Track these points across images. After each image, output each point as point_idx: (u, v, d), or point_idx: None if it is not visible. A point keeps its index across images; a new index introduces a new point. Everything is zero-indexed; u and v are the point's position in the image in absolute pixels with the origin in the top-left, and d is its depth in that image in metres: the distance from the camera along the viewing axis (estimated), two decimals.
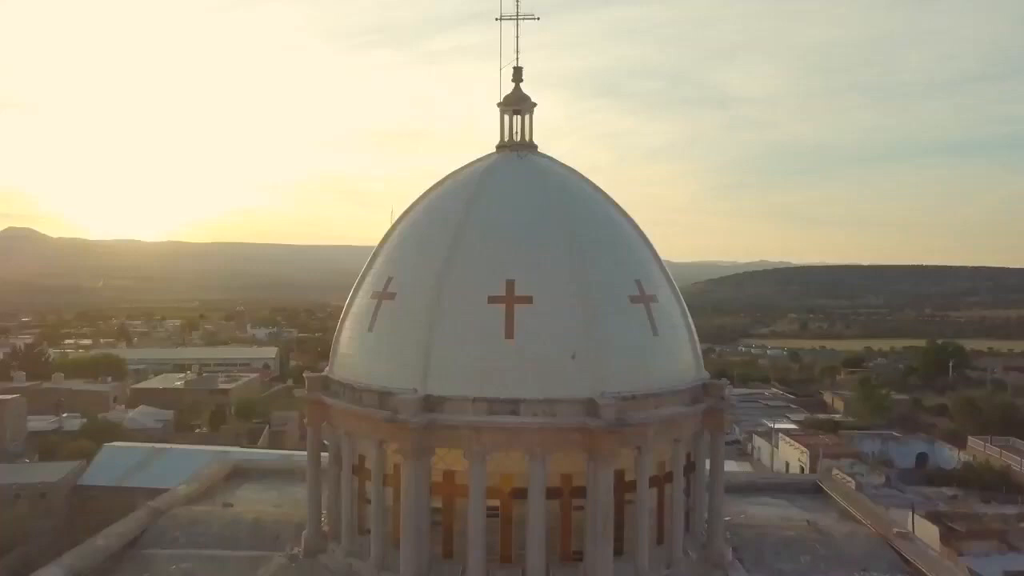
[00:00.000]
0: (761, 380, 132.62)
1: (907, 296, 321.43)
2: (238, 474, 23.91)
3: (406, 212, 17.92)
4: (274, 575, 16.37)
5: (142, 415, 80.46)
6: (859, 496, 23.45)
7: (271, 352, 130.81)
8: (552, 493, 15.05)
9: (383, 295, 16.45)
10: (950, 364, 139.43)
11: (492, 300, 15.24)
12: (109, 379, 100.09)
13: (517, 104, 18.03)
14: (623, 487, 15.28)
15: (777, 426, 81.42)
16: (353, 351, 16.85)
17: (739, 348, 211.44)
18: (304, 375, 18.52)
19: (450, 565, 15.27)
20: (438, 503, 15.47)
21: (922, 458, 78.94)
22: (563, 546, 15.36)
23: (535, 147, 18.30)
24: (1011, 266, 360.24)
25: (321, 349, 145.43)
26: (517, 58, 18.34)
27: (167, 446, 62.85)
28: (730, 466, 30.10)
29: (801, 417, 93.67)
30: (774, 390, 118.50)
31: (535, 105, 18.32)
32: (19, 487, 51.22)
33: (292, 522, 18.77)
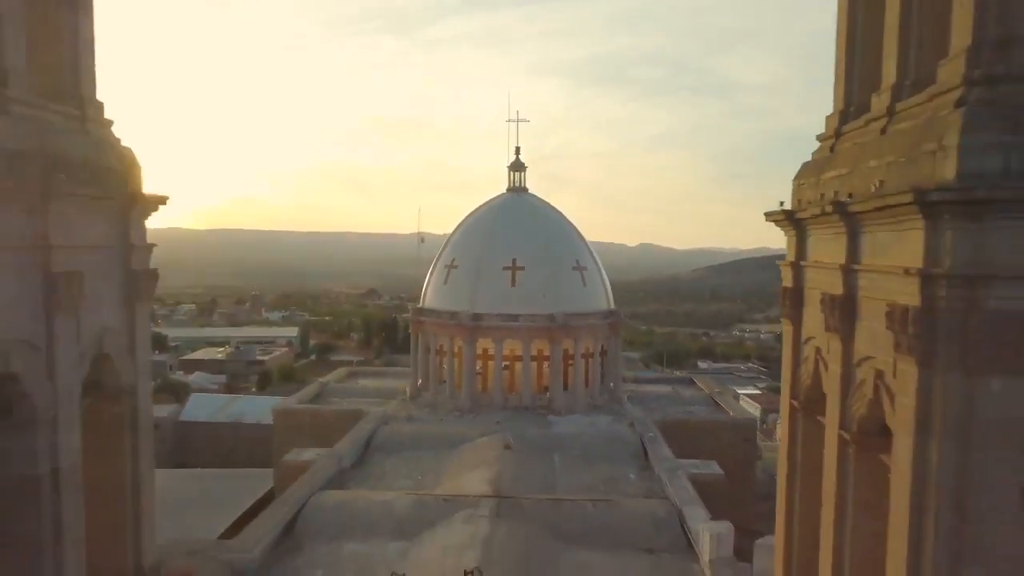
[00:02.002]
0: (743, 358, 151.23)
1: None
2: (352, 375, 42.58)
3: (461, 223, 36.33)
4: (397, 406, 34.67)
5: (201, 379, 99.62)
6: (709, 382, 41.86)
7: (293, 331, 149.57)
8: (533, 359, 33.47)
9: (451, 266, 34.85)
10: None
11: (505, 268, 33.56)
12: (156, 352, 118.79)
13: (517, 168, 36.50)
14: (567, 358, 33.68)
15: (740, 391, 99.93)
16: (436, 294, 35.24)
17: (733, 332, 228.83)
18: (409, 307, 36.80)
19: (485, 395, 33.67)
20: (479, 365, 33.87)
21: None
22: (538, 384, 33.80)
23: (526, 190, 36.74)
24: None
25: (337, 329, 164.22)
26: (518, 139, 36.81)
27: (239, 396, 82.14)
28: None
29: (765, 385, 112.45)
30: (750, 365, 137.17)
31: (527, 167, 36.73)
32: None
33: (396, 389, 37.22)
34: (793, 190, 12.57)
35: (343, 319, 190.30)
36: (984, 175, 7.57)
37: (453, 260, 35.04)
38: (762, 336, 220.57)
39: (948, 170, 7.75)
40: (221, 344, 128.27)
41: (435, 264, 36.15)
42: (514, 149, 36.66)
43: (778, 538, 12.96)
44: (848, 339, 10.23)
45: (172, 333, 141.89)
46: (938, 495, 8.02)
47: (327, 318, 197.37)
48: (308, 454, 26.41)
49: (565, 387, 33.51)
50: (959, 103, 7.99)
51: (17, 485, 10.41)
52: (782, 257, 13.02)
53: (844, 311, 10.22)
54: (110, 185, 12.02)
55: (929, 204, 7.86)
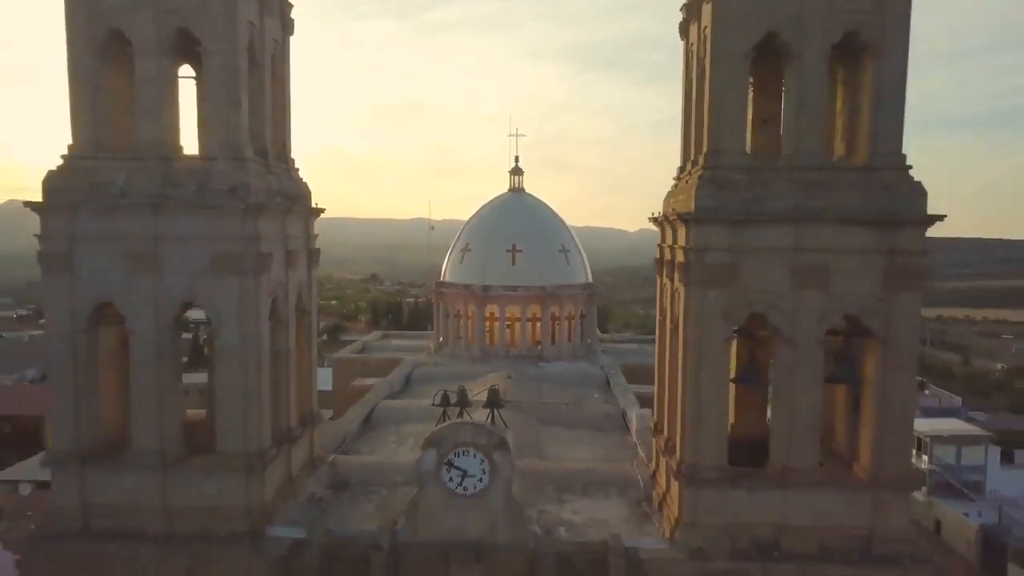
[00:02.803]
0: None
1: None
2: (385, 336, 54.46)
3: (472, 217, 48.02)
4: (425, 356, 46.37)
5: None
6: None
7: None
8: (528, 320, 45.24)
9: (465, 250, 46.59)
10: None
11: (507, 251, 45.28)
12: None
13: (516, 173, 48.19)
14: (555, 319, 45.48)
15: None
16: (453, 271, 46.97)
17: None
18: (433, 283, 48.46)
19: (492, 347, 45.44)
20: (488, 325, 45.62)
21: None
22: (532, 339, 45.62)
23: (523, 190, 48.45)
24: (1006, 238, 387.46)
25: (345, 312, 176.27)
26: (517, 147, 48.47)
27: None
28: None
29: None
30: None
31: (523, 172, 48.45)
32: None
33: (421, 346, 49.02)
34: (663, 204, 24.16)
35: (349, 303, 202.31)
36: (704, 208, 19.24)
37: (467, 245, 46.75)
38: None
39: (692, 205, 19.43)
40: None
41: (452, 248, 47.87)
42: (514, 158, 48.41)
43: (657, 390, 24.79)
44: (668, 281, 21.94)
45: (193, 315, 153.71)
46: (692, 340, 19.74)
47: (333, 302, 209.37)
48: (369, 381, 38.23)
49: (553, 341, 45.27)
50: (700, 176, 19.65)
51: (274, 355, 22.09)
52: None
53: (672, 268, 21.93)
54: (303, 204, 23.73)
55: (684, 219, 19.59)
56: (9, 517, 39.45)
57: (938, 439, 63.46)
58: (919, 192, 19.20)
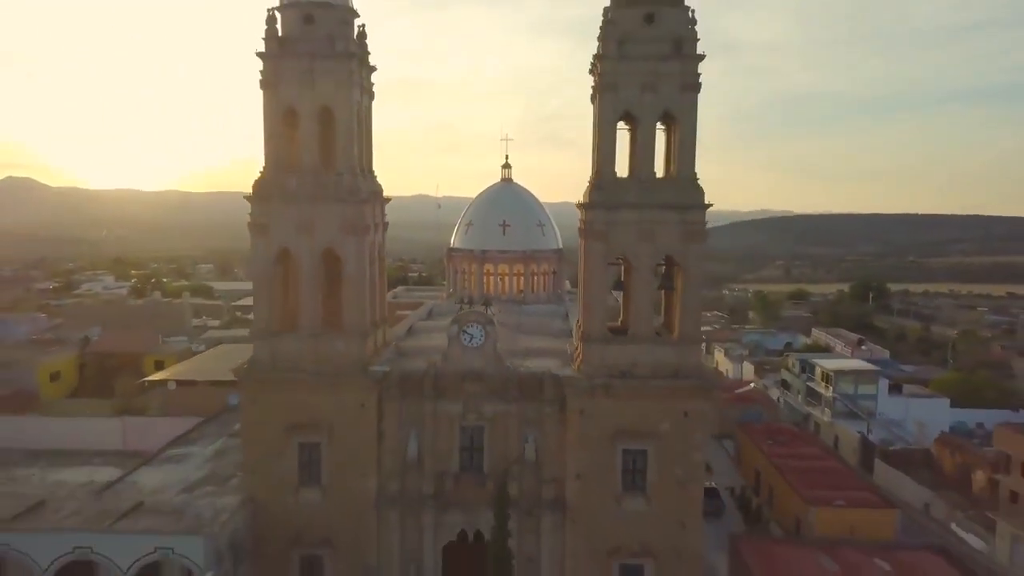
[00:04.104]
0: (712, 308, 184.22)
1: (898, 244, 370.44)
2: (409, 290, 75.80)
3: (474, 200, 69.17)
4: (439, 301, 67.60)
5: None
6: None
7: None
8: (514, 275, 66.46)
9: (469, 225, 67.84)
10: (870, 297, 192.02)
11: (499, 225, 66.47)
12: (217, 299, 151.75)
13: (507, 167, 69.32)
14: (533, 274, 66.71)
15: None
16: (460, 240, 68.29)
17: (723, 292, 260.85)
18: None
19: (488, 294, 66.70)
20: (485, 279, 66.85)
21: (789, 345, 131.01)
22: (517, 288, 66.90)
23: (511, 180, 69.61)
24: (1002, 214, 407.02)
25: None
26: (507, 147, 69.64)
27: None
28: None
29: (718, 325, 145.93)
30: (715, 312, 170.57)
31: (511, 167, 69.52)
32: None
33: (436, 295, 70.24)
34: (583, 195, 44.81)
35: None
36: (592, 201, 40.21)
37: (470, 221, 67.90)
38: (737, 292, 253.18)
39: (587, 199, 40.36)
40: None
41: (459, 224, 69.12)
42: (504, 156, 69.48)
43: (579, 301, 45.94)
44: (581, 240, 42.88)
45: (220, 287, 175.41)
46: (587, 269, 40.79)
47: None
48: (405, 312, 59.42)
49: (532, 291, 66.44)
50: (592, 184, 40.56)
51: (369, 280, 43.04)
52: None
53: (582, 233, 42.86)
54: (380, 197, 44.66)
55: (584, 206, 40.68)
56: (162, 406, 60.48)
57: (840, 373, 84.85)
58: (700, 192, 40.07)
